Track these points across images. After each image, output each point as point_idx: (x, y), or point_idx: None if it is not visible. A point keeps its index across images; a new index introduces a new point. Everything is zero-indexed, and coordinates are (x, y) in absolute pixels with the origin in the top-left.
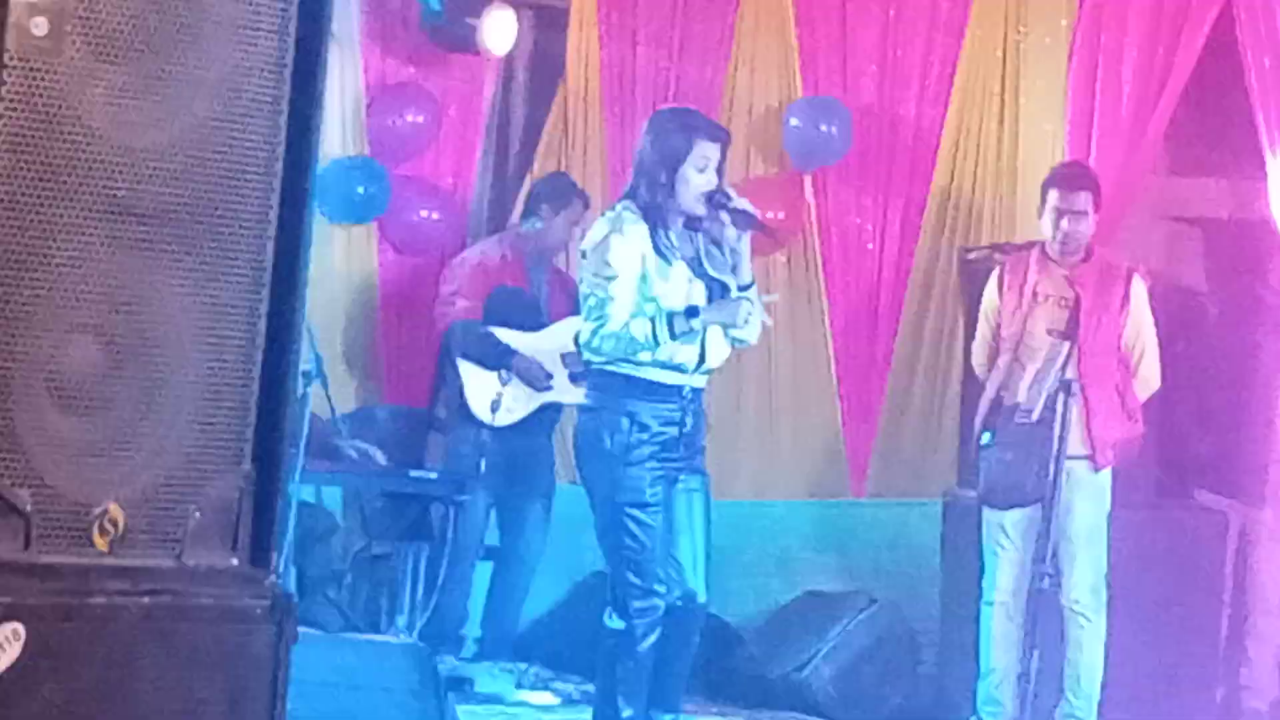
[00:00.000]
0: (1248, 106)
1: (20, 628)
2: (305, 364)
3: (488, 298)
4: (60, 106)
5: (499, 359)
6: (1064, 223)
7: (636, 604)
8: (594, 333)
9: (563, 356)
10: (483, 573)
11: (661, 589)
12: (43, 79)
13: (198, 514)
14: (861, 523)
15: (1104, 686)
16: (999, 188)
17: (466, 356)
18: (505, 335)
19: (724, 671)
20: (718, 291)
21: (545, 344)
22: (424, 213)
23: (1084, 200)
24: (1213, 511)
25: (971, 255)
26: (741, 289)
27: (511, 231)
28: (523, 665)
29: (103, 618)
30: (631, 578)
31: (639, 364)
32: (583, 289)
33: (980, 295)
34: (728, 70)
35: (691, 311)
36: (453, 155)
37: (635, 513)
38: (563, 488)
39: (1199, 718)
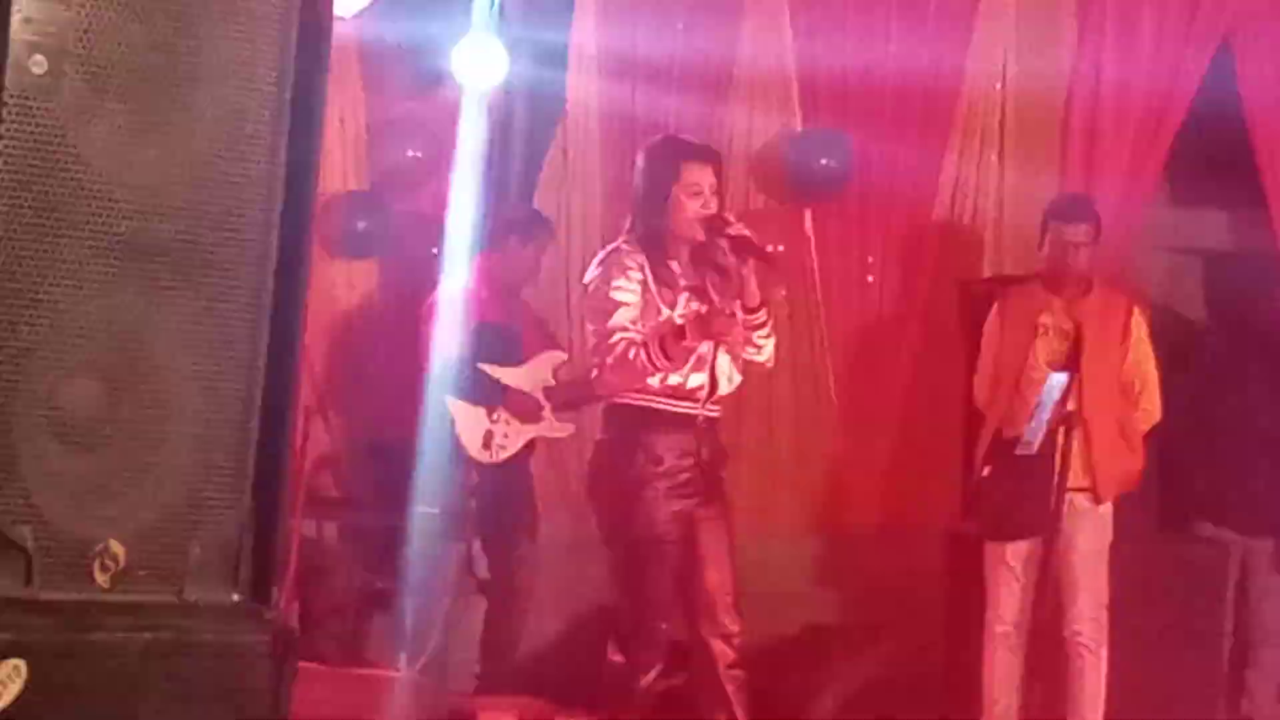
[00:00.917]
0: (1247, 137)
1: (22, 664)
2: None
3: (472, 334)
4: (59, 144)
5: (489, 395)
6: (1064, 254)
7: (642, 639)
8: (599, 368)
9: (544, 390)
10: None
11: (665, 625)
12: (42, 117)
13: (198, 550)
14: (863, 555)
15: (1105, 717)
16: (999, 219)
17: (455, 394)
18: (494, 371)
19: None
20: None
21: (528, 379)
22: (424, 248)
23: (1084, 232)
24: (1213, 543)
25: (972, 287)
26: (749, 312)
27: (483, 266)
28: (525, 699)
29: (104, 654)
30: (640, 613)
31: (651, 396)
32: (588, 324)
33: (981, 327)
34: (727, 103)
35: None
36: (453, 191)
37: (647, 547)
38: (561, 523)
39: None
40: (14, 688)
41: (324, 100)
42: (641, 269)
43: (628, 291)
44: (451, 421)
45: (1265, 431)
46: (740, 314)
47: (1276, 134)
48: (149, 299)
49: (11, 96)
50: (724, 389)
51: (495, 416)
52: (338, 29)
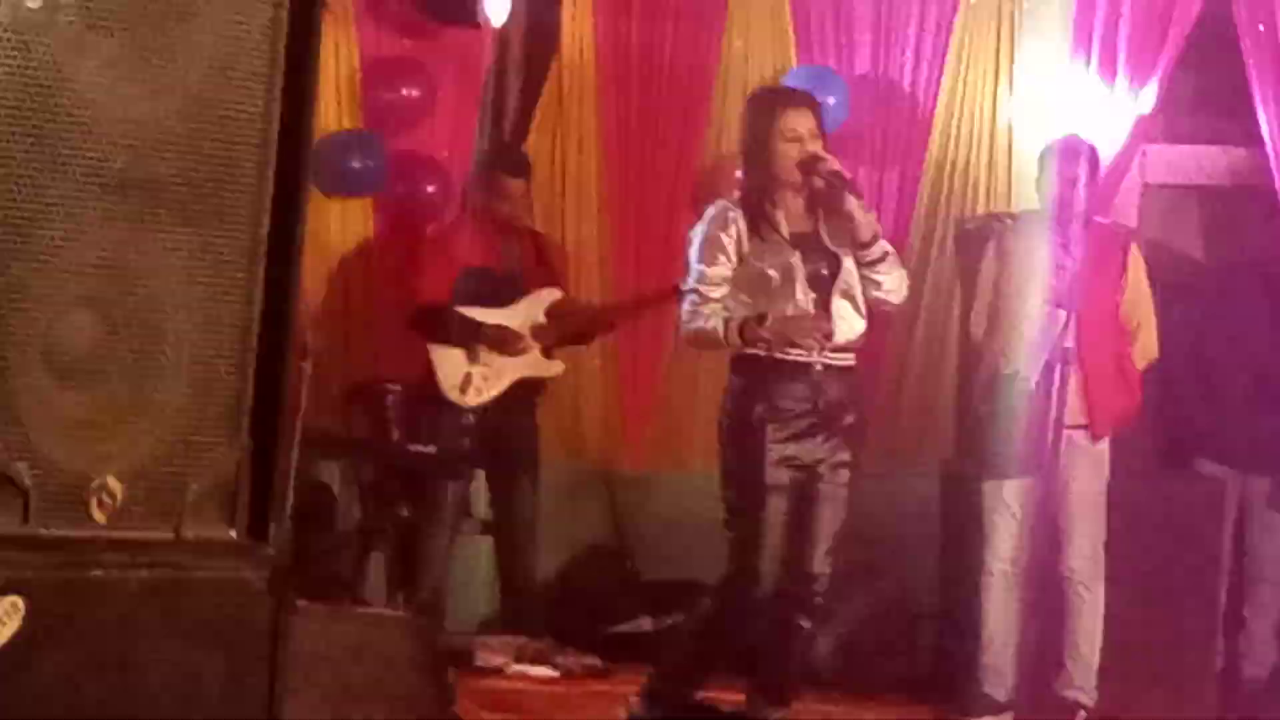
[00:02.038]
0: (1243, 74)
1: (20, 601)
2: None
3: (455, 280)
4: (53, 79)
5: (466, 337)
6: (1059, 190)
7: (747, 581)
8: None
9: (533, 329)
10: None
11: (772, 568)
12: (36, 51)
13: (196, 486)
14: (859, 493)
15: (1102, 655)
16: (995, 157)
17: (434, 339)
18: (472, 312)
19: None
20: (829, 267)
21: (515, 319)
22: (420, 186)
23: (1081, 169)
24: (1211, 480)
25: (968, 225)
26: (862, 248)
27: (472, 206)
28: (522, 638)
29: (102, 591)
30: (750, 556)
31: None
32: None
33: (977, 265)
34: (722, 42)
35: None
36: (448, 129)
37: (757, 492)
38: (559, 462)
39: (1198, 686)
40: (12, 624)
41: (320, 37)
42: (735, 225)
43: (721, 254)
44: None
45: (1262, 368)
46: (855, 250)
47: (1273, 69)
48: (144, 235)
49: (5, 31)
50: (843, 335)
51: (474, 359)
52: None
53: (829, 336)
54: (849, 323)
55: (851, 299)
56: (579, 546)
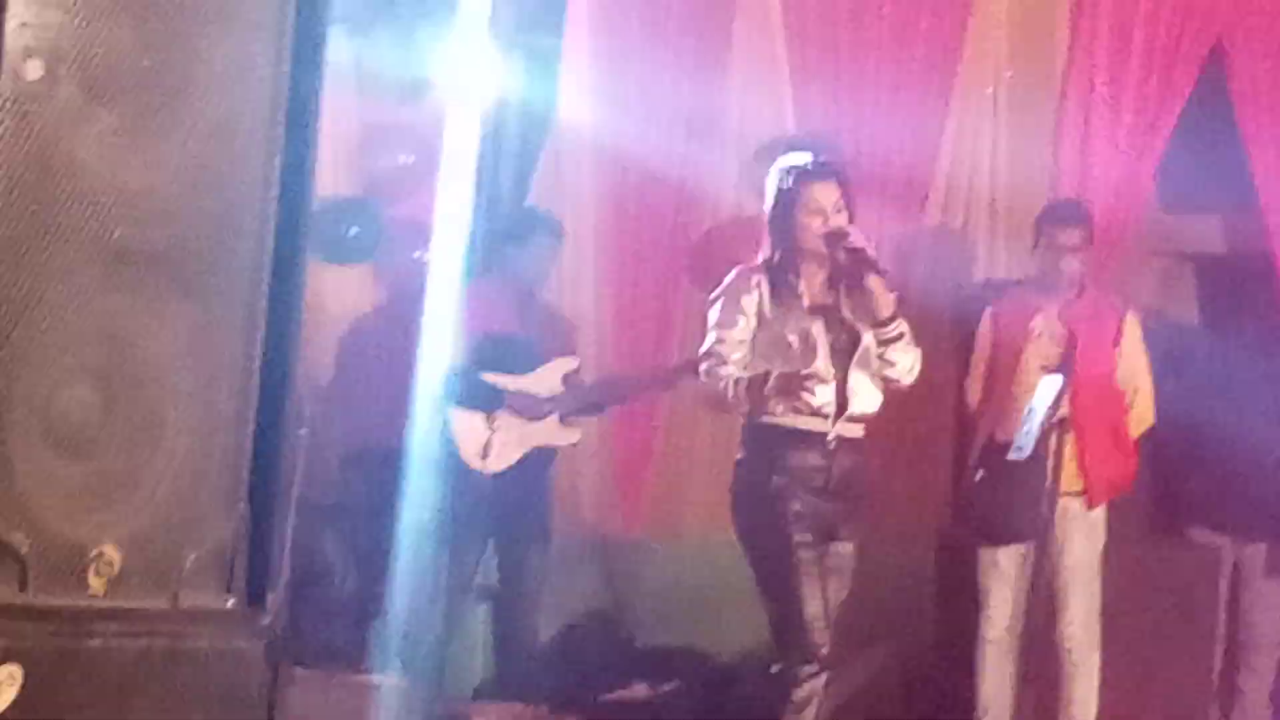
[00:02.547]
0: (1239, 142)
1: (18, 670)
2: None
3: (476, 346)
4: (55, 148)
5: (488, 402)
6: (1057, 259)
7: (798, 647)
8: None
9: (552, 397)
10: (476, 614)
11: (822, 632)
12: (37, 121)
13: (193, 556)
14: (855, 560)
15: None
16: (992, 224)
17: (455, 402)
18: (498, 379)
19: (717, 710)
20: (848, 340)
21: (534, 386)
22: (416, 253)
23: (1077, 236)
24: (1206, 548)
25: (964, 292)
26: (880, 326)
27: (495, 274)
28: (519, 705)
29: (99, 660)
30: (792, 622)
31: (781, 414)
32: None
33: (973, 332)
34: (721, 108)
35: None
36: (446, 195)
37: (793, 555)
38: (556, 529)
39: None
40: (9, 693)
41: (319, 107)
42: (758, 289)
43: (740, 316)
44: (449, 429)
45: (1258, 436)
46: (873, 328)
47: (1267, 136)
48: (143, 305)
49: (7, 101)
50: (858, 408)
51: (494, 425)
52: (332, 36)
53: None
54: (865, 397)
55: (869, 373)
56: (575, 613)
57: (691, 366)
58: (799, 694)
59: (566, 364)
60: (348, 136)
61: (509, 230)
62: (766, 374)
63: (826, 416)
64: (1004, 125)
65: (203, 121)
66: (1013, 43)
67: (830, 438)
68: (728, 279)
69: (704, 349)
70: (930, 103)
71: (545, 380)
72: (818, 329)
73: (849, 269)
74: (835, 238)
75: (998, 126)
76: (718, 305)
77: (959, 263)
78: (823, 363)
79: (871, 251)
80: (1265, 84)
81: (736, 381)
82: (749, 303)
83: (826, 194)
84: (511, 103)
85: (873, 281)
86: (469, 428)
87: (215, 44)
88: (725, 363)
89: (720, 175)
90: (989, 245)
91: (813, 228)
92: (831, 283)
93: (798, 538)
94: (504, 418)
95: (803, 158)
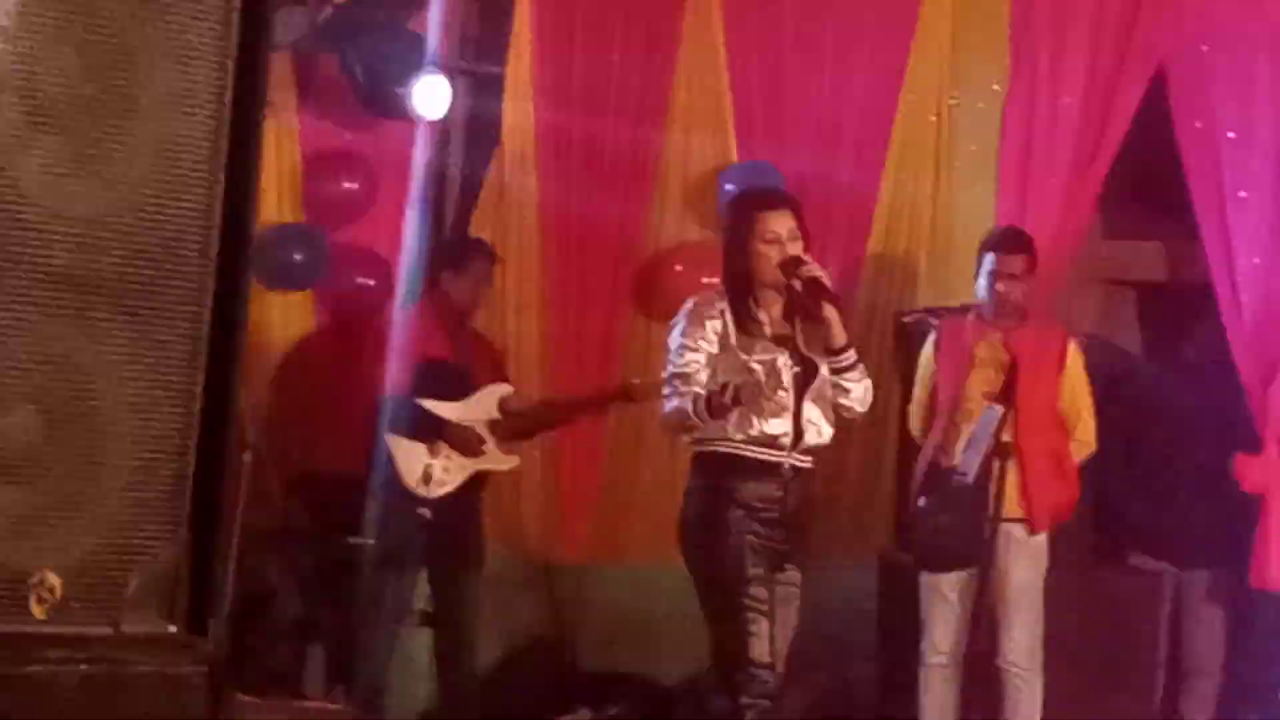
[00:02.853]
0: (1180, 170)
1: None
2: (243, 432)
3: (414, 372)
4: None
5: (428, 431)
6: (1000, 286)
7: (746, 685)
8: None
9: (490, 424)
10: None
11: (769, 668)
12: None
13: (135, 581)
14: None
15: None
16: (934, 251)
17: (395, 430)
18: (434, 406)
19: None
20: (804, 371)
21: (471, 413)
22: (359, 279)
23: (1019, 263)
24: (1148, 573)
25: (907, 319)
26: (834, 354)
27: (429, 300)
28: None
29: (41, 686)
30: (741, 657)
31: (736, 444)
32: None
33: (916, 359)
34: (664, 135)
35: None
36: (389, 221)
37: (745, 589)
38: (498, 555)
39: None
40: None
41: (262, 132)
42: (722, 316)
43: (702, 340)
44: (390, 457)
45: (1199, 463)
46: (825, 357)
47: (1209, 164)
48: (86, 331)
49: None
50: (812, 439)
51: (435, 452)
52: (275, 60)
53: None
54: (819, 428)
55: (823, 405)
56: (518, 638)
57: (628, 392)
58: None
59: (501, 389)
60: (292, 162)
61: (443, 256)
62: (725, 385)
63: (783, 448)
64: (946, 152)
65: (145, 147)
66: (955, 69)
67: (786, 468)
68: (688, 304)
69: (670, 371)
70: (873, 129)
71: (480, 406)
72: (783, 360)
73: (805, 298)
74: (792, 266)
75: (940, 153)
76: (679, 330)
77: (902, 290)
78: (784, 394)
79: (828, 280)
80: (1206, 109)
81: (697, 398)
82: (713, 327)
83: (782, 222)
84: (455, 127)
85: (828, 311)
86: (409, 454)
87: (158, 70)
88: (690, 381)
89: (663, 202)
90: (931, 272)
91: (769, 256)
92: (788, 312)
93: (751, 572)
94: (443, 445)
95: (757, 187)
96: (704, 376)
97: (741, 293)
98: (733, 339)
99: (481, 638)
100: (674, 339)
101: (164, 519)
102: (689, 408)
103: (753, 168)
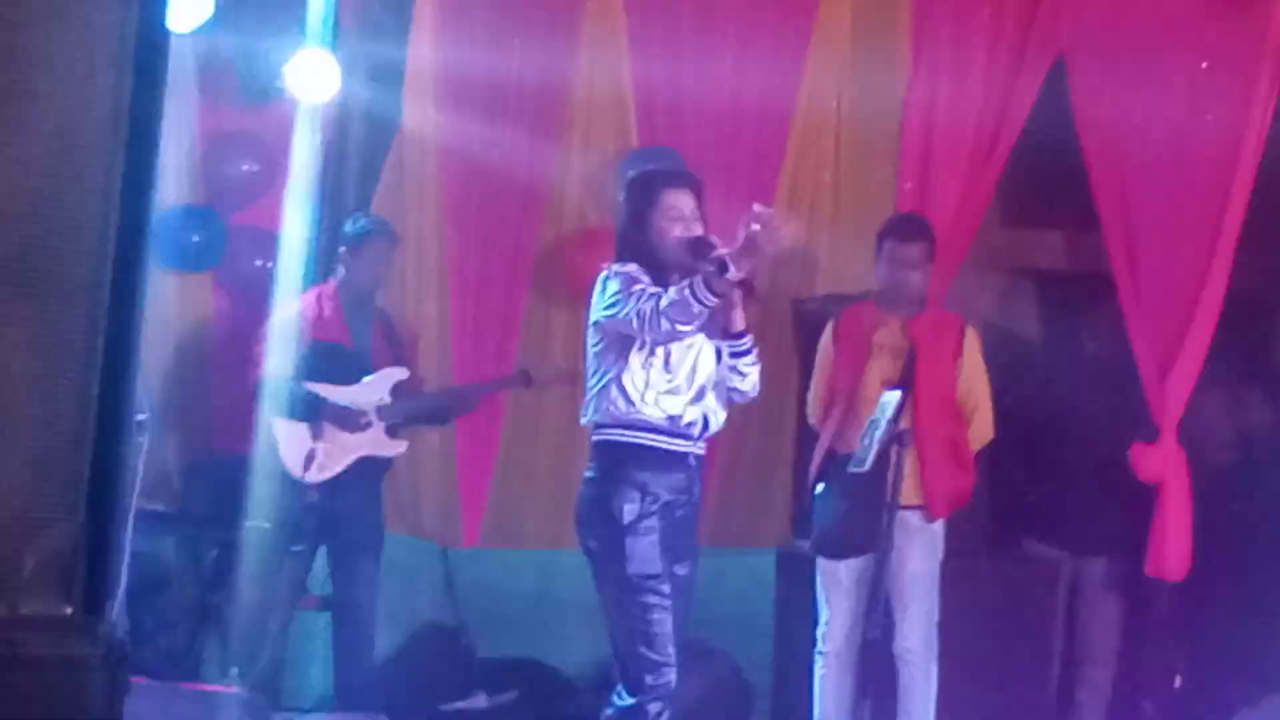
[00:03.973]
0: (1080, 158)
1: None
2: (140, 413)
3: (302, 354)
4: None
5: (310, 413)
6: (899, 273)
7: (649, 679)
8: (593, 399)
9: (378, 409)
10: (312, 624)
11: (672, 663)
12: None
13: (32, 563)
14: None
15: None
16: (834, 238)
17: (278, 412)
18: (320, 389)
19: None
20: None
21: (361, 397)
22: (259, 261)
23: (919, 251)
24: (1044, 561)
25: (806, 305)
26: (734, 339)
27: (329, 283)
28: (358, 716)
29: None
30: (645, 652)
31: (644, 433)
32: (592, 351)
33: (815, 346)
34: (566, 119)
35: None
36: (288, 203)
37: (650, 584)
38: (396, 538)
39: None
40: None
41: (161, 113)
42: (642, 277)
43: (636, 280)
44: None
45: (1095, 452)
46: (724, 340)
47: (1109, 154)
48: None
49: None
50: (713, 427)
51: (318, 436)
52: (175, 42)
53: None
54: (717, 415)
55: (719, 390)
56: (414, 623)
57: (521, 378)
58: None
59: (395, 374)
60: (191, 143)
61: (341, 236)
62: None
63: (691, 437)
64: (846, 139)
65: (44, 128)
66: (855, 56)
67: (692, 459)
68: (610, 274)
69: (630, 298)
70: (773, 118)
71: (372, 391)
72: (701, 340)
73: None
74: (701, 247)
75: (840, 140)
76: (610, 290)
77: (801, 276)
78: (697, 379)
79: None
80: (1106, 99)
81: (680, 288)
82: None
83: (684, 201)
84: (355, 111)
85: (736, 296)
86: (292, 438)
87: (56, 50)
88: (646, 291)
89: (564, 185)
90: (831, 259)
91: (672, 233)
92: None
93: (655, 569)
94: (327, 428)
95: (656, 165)
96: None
97: (645, 267)
98: None
99: (378, 622)
100: (604, 297)
101: (61, 500)
102: (685, 290)
103: (653, 153)
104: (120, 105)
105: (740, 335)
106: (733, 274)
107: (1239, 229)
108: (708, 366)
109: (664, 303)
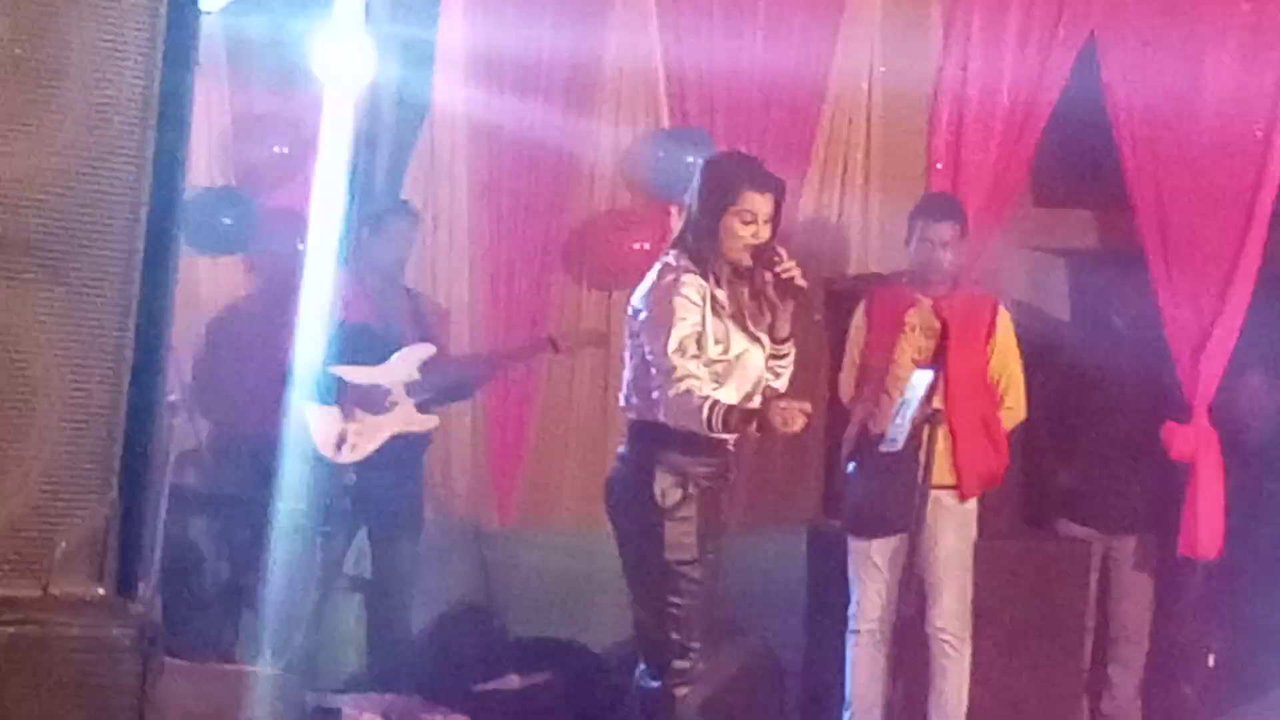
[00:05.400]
0: (1111, 137)
1: None
2: (172, 395)
3: (333, 334)
4: None
5: (338, 395)
6: (930, 253)
7: (677, 664)
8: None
9: (407, 385)
10: (347, 605)
11: (698, 647)
12: None
13: (64, 543)
14: (727, 551)
15: (968, 715)
16: (865, 218)
17: (308, 396)
18: (345, 371)
19: (588, 700)
20: (758, 349)
21: (385, 376)
22: (290, 243)
23: (950, 230)
24: (1076, 541)
25: (838, 285)
26: (779, 342)
27: (351, 263)
28: (390, 696)
29: None
30: (674, 636)
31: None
32: (633, 342)
33: (847, 325)
34: (597, 98)
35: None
36: (319, 186)
37: (685, 569)
38: (429, 520)
39: None
40: None
41: (192, 94)
42: (701, 292)
43: (689, 311)
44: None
45: (1126, 431)
46: (768, 344)
47: (1140, 132)
48: (15, 292)
49: None
50: None
51: (349, 417)
52: (205, 22)
53: (808, 414)
54: (755, 404)
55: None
56: (447, 603)
57: (546, 344)
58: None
59: (423, 350)
60: (221, 126)
61: (364, 217)
62: (749, 412)
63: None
64: (878, 118)
65: (75, 109)
66: (886, 37)
67: (730, 444)
68: (667, 281)
69: (673, 360)
70: (804, 96)
71: (398, 369)
72: (756, 349)
73: (773, 293)
74: (765, 257)
75: (871, 120)
76: (656, 307)
77: (833, 255)
78: (751, 386)
79: (802, 280)
80: (1138, 77)
81: (713, 406)
82: (696, 306)
83: (763, 205)
84: (386, 92)
85: (786, 306)
86: (323, 420)
87: (87, 32)
88: (688, 371)
89: (595, 167)
90: (863, 238)
91: (742, 236)
92: (735, 290)
93: (692, 554)
94: (356, 410)
95: (743, 157)
96: (696, 357)
97: (704, 262)
98: (708, 318)
99: (412, 603)
100: (657, 317)
101: (93, 481)
102: (705, 413)
103: (685, 134)
104: (151, 87)
105: (783, 340)
106: (796, 291)
107: (1271, 206)
108: (756, 368)
109: (683, 402)
